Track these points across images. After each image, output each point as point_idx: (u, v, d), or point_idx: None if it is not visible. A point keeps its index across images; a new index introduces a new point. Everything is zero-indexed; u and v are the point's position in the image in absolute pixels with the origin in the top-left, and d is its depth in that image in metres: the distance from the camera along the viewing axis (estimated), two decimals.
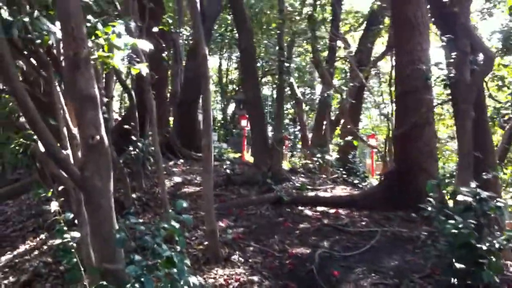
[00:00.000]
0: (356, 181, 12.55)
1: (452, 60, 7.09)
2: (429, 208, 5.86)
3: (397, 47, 9.90)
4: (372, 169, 19.49)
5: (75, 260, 4.78)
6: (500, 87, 13.63)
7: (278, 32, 13.24)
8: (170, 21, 12.11)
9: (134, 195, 10.03)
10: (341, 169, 13.88)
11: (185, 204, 5.57)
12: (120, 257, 4.98)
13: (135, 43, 5.87)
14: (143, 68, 6.17)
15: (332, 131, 17.48)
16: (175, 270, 4.88)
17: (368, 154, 22.59)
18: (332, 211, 9.31)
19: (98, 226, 4.94)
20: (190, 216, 5.62)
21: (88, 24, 5.46)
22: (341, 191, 10.98)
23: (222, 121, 30.22)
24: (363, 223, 8.59)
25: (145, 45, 5.90)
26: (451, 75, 7.23)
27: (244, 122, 20.50)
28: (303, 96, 23.88)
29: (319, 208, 9.47)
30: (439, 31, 8.17)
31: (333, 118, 18.21)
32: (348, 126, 13.82)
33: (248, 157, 18.90)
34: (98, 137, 4.86)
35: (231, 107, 32.20)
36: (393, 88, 12.83)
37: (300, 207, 9.50)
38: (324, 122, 16.85)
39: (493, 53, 7.49)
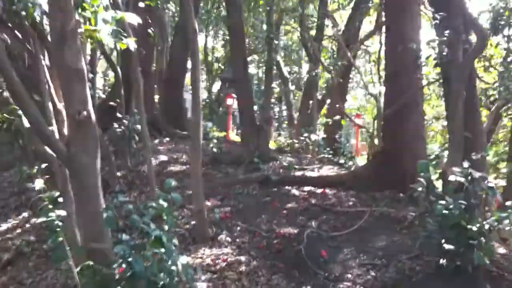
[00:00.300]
0: (342, 161, 12.52)
1: (445, 39, 7.00)
2: (420, 189, 5.83)
3: (388, 27, 9.80)
4: (357, 149, 19.49)
5: (60, 239, 4.65)
6: (487, 68, 13.61)
7: (267, 8, 13.04)
8: None
9: (119, 173, 9.90)
10: (328, 148, 13.83)
11: (174, 183, 5.49)
12: (106, 236, 4.89)
13: (123, 16, 5.70)
14: (131, 43, 6.01)
15: (318, 110, 17.39)
16: (163, 250, 4.81)
17: (353, 134, 22.57)
18: (319, 191, 9.27)
19: (85, 204, 4.83)
20: (178, 195, 5.54)
21: None
22: (328, 171, 10.95)
23: (207, 100, 29.98)
24: (351, 203, 8.56)
25: (133, 19, 5.73)
26: (444, 54, 7.15)
27: (229, 101, 20.30)
28: (289, 75, 23.71)
29: (306, 188, 9.41)
30: (431, 10, 8.06)
31: (319, 97, 18.11)
32: (337, 106, 13.73)
33: (233, 136, 18.80)
34: (85, 112, 4.73)
35: (216, 86, 31.93)
36: (381, 68, 12.76)
37: (287, 187, 9.44)
38: (311, 102, 16.75)
39: (486, 32, 7.43)
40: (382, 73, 13.68)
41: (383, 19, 15.84)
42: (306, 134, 13.29)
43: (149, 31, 12.33)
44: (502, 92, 12.82)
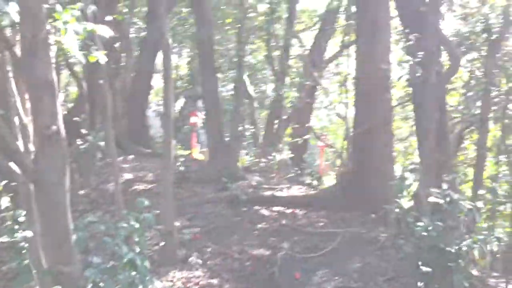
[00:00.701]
0: (309, 181, 12.44)
1: (419, 60, 7.04)
2: (396, 210, 5.78)
3: (358, 47, 9.84)
4: (321, 169, 19.52)
5: (26, 261, 4.36)
6: (449, 90, 13.87)
7: (238, 25, 12.96)
8: (125, 10, 11.62)
9: (81, 192, 9.54)
10: (296, 168, 13.75)
11: (146, 202, 5.27)
12: (75, 259, 4.61)
13: (94, 29, 5.49)
14: (101, 57, 5.80)
15: (284, 130, 17.34)
16: (134, 273, 4.58)
17: (317, 154, 22.64)
18: (289, 211, 9.14)
19: (52, 224, 4.55)
20: (151, 215, 5.32)
21: (46, 6, 5.04)
22: (297, 190, 10.83)
23: None
24: (321, 223, 8.46)
25: (105, 32, 5.53)
26: (418, 75, 7.19)
27: (193, 119, 20.11)
28: (254, 93, 23.63)
29: (276, 208, 9.27)
30: (405, 31, 8.12)
31: (285, 117, 18.07)
32: (306, 125, 13.73)
33: (197, 154, 18.55)
34: (54, 127, 4.48)
35: (179, 103, 31.61)
36: (349, 88, 12.82)
37: (256, 207, 9.26)
38: (276, 121, 16.70)
39: (460, 53, 7.52)
40: (350, 94, 13.76)
41: (350, 39, 16.08)
42: (274, 154, 13.17)
43: (115, 45, 12.08)
44: (465, 115, 13.12)
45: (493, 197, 7.29)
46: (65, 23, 5.37)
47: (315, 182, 12.31)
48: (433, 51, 6.98)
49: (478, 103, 12.37)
